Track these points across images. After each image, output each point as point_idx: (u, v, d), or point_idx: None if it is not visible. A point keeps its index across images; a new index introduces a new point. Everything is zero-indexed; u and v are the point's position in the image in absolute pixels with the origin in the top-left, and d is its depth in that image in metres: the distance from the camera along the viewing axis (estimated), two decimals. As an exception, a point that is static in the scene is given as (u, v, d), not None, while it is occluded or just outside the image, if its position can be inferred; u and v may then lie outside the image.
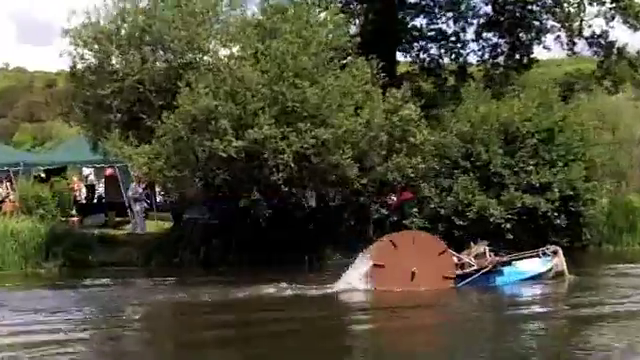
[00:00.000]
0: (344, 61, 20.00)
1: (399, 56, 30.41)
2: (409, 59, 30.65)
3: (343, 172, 18.12)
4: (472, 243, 14.69)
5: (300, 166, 17.97)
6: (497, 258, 13.60)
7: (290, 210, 19.35)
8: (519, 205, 18.51)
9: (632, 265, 17.59)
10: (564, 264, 13.66)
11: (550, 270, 13.54)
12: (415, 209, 20.04)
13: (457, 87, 28.42)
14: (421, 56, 29.96)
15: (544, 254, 13.89)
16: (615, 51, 26.67)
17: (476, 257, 13.73)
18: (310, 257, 19.44)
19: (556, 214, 18.58)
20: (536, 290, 13.04)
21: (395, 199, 20.94)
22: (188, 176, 18.22)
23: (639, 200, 22.38)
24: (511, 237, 18.61)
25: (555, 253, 13.73)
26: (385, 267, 12.87)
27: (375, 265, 12.96)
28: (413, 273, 12.75)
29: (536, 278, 13.40)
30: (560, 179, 18.67)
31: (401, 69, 31.36)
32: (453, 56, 29.74)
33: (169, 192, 20.50)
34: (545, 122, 19.22)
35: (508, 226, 18.49)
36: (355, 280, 13.36)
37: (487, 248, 13.95)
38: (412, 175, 19.30)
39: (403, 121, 19.36)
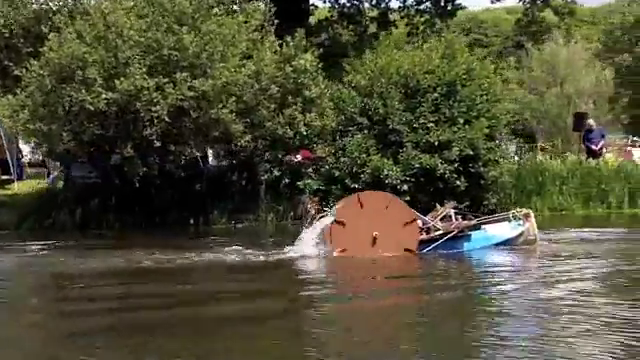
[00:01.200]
0: (234, 6, 18.45)
1: (318, 1, 29.08)
2: (328, 4, 29.33)
3: (226, 127, 16.66)
4: (438, 205, 13.46)
5: (179, 120, 16.53)
6: (465, 222, 12.33)
7: (176, 169, 17.88)
8: (417, 165, 17.22)
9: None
10: (535, 229, 12.44)
11: (521, 235, 12.30)
12: (310, 169, 18.74)
13: (378, 35, 27.18)
14: (340, 1, 28.62)
15: (514, 217, 12.63)
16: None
17: (442, 220, 12.38)
18: (196, 220, 18.10)
19: (455, 176, 17.31)
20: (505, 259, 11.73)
21: (300, 158, 19.59)
22: (55, 131, 16.59)
23: (556, 162, 21.21)
24: (408, 199, 17.43)
25: (527, 217, 12.50)
26: (346, 226, 11.46)
27: (337, 222, 11.51)
28: (375, 238, 11.45)
29: (505, 244, 12.17)
30: (460, 137, 17.37)
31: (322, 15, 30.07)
32: (374, 1, 28.44)
33: (36, 147, 18.84)
34: (448, 75, 17.84)
35: (405, 188, 17.21)
36: (308, 245, 11.94)
37: (454, 211, 12.67)
38: (306, 132, 17.94)
39: (297, 72, 17.95)
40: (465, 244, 12.01)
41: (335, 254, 11.56)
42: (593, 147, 22.35)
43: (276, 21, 18.17)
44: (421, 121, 17.53)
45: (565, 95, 54.09)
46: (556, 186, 19.74)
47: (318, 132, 18.54)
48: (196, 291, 9.58)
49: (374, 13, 29.55)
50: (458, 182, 17.31)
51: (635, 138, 34.75)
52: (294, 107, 17.70)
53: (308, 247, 11.85)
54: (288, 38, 18.17)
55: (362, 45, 24.34)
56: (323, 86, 18.15)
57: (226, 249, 12.84)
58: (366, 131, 18.07)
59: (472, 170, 17.55)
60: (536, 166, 20.15)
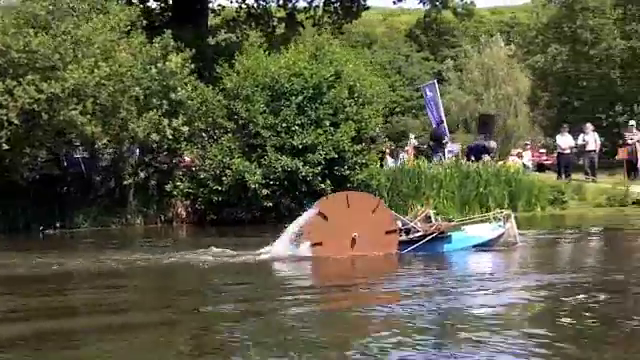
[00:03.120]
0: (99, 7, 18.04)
1: (225, 1, 28.79)
2: (235, 4, 29.05)
3: (81, 130, 16.27)
4: (419, 206, 13.15)
5: (31, 123, 16.13)
6: (444, 223, 12.04)
7: (30, 172, 17.36)
8: (279, 169, 16.98)
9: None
10: (515, 230, 12.13)
11: (501, 236, 11.99)
12: (180, 173, 18.46)
13: (288, 36, 26.97)
14: (247, 1, 28.36)
15: (495, 218, 12.33)
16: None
17: (422, 222, 12.08)
18: (53, 225, 17.58)
19: (320, 179, 17.10)
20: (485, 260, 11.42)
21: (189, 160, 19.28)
22: None
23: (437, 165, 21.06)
24: (271, 205, 17.21)
25: (507, 218, 12.21)
26: (328, 220, 11.06)
27: (319, 213, 11.13)
28: (353, 239, 11.09)
29: (486, 245, 11.79)
30: (326, 140, 17.16)
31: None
32: (281, 1, 28.22)
33: None
34: (314, 78, 17.63)
35: (266, 192, 16.97)
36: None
37: (432, 212, 12.38)
38: (171, 136, 17.61)
39: (163, 74, 17.65)
40: (445, 245, 11.71)
41: (307, 248, 11.09)
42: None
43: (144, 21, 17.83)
44: (284, 125, 17.24)
45: (506, 96, 54.82)
46: (433, 189, 19.58)
47: (188, 135, 18.25)
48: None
49: (282, 14, 29.36)
50: (323, 185, 17.07)
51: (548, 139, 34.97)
52: (158, 110, 17.39)
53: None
54: (155, 40, 17.87)
55: (270, 47, 24.05)
56: (190, 89, 17.85)
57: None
58: (231, 134, 17.76)
59: (337, 174, 17.32)
60: (413, 169, 19.92)
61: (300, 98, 17.47)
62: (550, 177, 24.71)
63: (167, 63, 17.65)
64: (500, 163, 22.56)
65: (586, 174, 25.54)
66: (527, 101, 38.28)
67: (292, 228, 11.43)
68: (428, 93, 25.88)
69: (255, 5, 28.76)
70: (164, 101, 17.66)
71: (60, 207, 17.79)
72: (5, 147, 15.69)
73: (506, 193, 20.21)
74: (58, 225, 17.70)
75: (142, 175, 18.06)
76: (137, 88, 17.19)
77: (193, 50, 18.46)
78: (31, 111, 15.79)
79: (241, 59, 18.35)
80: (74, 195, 18.21)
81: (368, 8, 27.90)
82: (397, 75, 63.61)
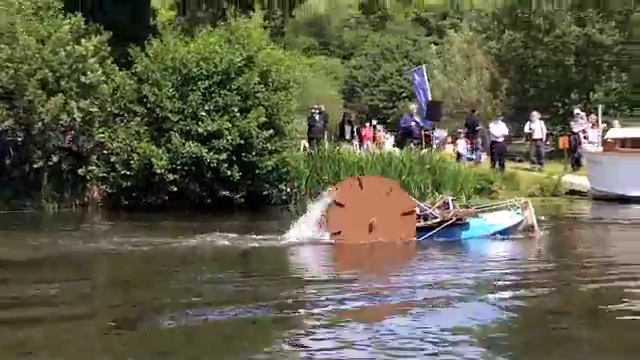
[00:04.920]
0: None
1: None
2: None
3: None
4: (437, 193, 13.05)
5: None
6: (462, 210, 12.17)
7: None
8: (186, 155, 16.80)
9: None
10: (534, 218, 12.17)
11: (519, 224, 12.01)
12: (95, 157, 18.25)
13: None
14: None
15: (513, 206, 12.30)
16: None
17: (440, 208, 12.08)
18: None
19: (226, 165, 16.92)
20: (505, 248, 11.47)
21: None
22: None
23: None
24: (176, 189, 17.05)
25: (526, 206, 12.22)
26: (345, 208, 11.09)
27: (336, 203, 11.17)
28: (371, 224, 11.12)
29: (504, 233, 11.93)
30: (232, 127, 16.95)
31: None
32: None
33: None
34: (224, 62, 17.38)
35: (171, 177, 16.80)
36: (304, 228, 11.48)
37: (451, 199, 12.48)
38: (79, 118, 17.39)
39: (72, 57, 17.42)
40: (463, 232, 11.82)
41: (328, 238, 11.19)
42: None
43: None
44: (190, 110, 17.03)
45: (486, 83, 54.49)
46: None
47: (104, 119, 18.05)
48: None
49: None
50: (229, 172, 16.89)
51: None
52: (66, 93, 17.18)
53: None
54: (65, 22, 17.62)
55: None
56: (100, 72, 17.62)
57: None
58: (140, 119, 17.56)
59: (245, 159, 17.13)
60: (332, 155, 19.73)
61: (208, 83, 17.22)
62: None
63: (76, 47, 17.43)
64: (434, 150, 22.39)
65: (532, 162, 25.47)
66: (489, 88, 37.93)
67: (311, 213, 11.53)
68: (416, 78, 26.01)
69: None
70: (73, 84, 17.43)
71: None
72: None
73: (430, 181, 20.00)
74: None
75: (55, 159, 17.80)
76: (46, 70, 16.97)
77: (110, 33, 18.23)
78: None
79: (152, 42, 18.09)
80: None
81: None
82: (405, 59, 62.99)
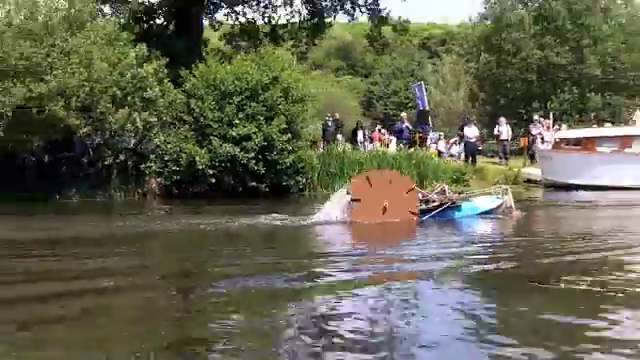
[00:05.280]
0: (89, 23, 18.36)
1: (222, 18, 28.84)
2: (230, 22, 29.11)
3: (64, 121, 16.71)
4: (435, 182, 13.38)
5: (24, 116, 16.56)
6: (455, 195, 12.46)
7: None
8: (222, 153, 17.35)
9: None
10: (512, 201, 12.47)
11: (500, 206, 12.34)
12: (154, 155, 18.84)
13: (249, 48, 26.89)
14: (240, 19, 28.45)
15: (495, 192, 12.73)
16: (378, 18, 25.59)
17: (438, 194, 12.35)
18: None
19: (254, 162, 17.44)
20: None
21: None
22: None
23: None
24: (214, 181, 17.60)
25: (505, 192, 12.61)
26: (362, 201, 11.42)
27: (353, 200, 11.52)
28: (385, 207, 11.40)
29: (488, 213, 12.22)
30: (259, 132, 17.48)
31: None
32: (266, 20, 28.21)
33: None
34: (253, 81, 17.90)
35: (211, 172, 17.36)
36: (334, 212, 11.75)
37: (446, 186, 12.81)
38: (141, 126, 17.99)
39: (136, 78, 18.00)
40: (456, 213, 12.05)
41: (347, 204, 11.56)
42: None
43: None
44: (227, 119, 17.57)
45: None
46: (354, 170, 19.81)
47: (160, 126, 18.62)
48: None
49: (267, 29, 29.31)
50: (256, 167, 17.41)
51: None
52: (132, 107, 17.80)
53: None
54: (132, 50, 18.21)
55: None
56: (158, 89, 18.19)
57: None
58: (187, 126, 18.15)
59: (269, 158, 17.64)
60: (338, 154, 20.19)
61: (240, 97, 17.75)
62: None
63: (139, 70, 18.01)
64: (417, 149, 22.73)
65: (500, 158, 25.76)
66: (468, 99, 38.14)
67: (339, 195, 11.91)
68: (417, 92, 26.87)
69: (245, 22, 28.75)
70: (137, 99, 18.02)
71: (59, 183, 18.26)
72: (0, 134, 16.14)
73: (415, 173, 20.37)
74: (57, 197, 18.15)
75: (122, 158, 18.43)
76: (114, 88, 17.57)
77: (167, 59, 18.78)
78: (23, 107, 16.22)
79: (198, 65, 18.63)
80: (66, 172, 18.62)
81: (331, 25, 27.80)
82: (411, 77, 63.63)
